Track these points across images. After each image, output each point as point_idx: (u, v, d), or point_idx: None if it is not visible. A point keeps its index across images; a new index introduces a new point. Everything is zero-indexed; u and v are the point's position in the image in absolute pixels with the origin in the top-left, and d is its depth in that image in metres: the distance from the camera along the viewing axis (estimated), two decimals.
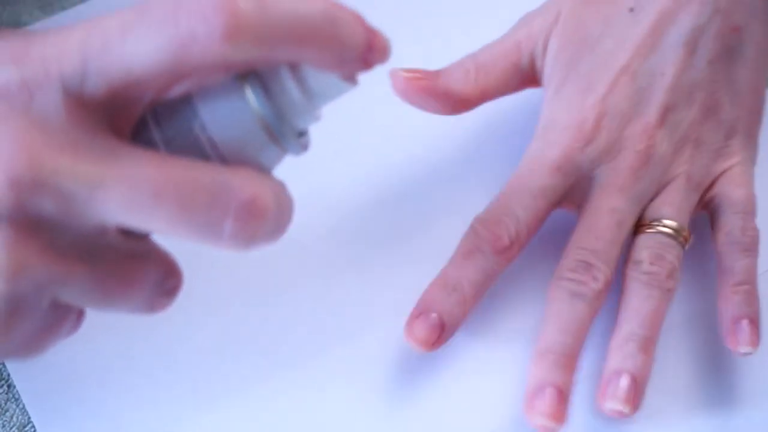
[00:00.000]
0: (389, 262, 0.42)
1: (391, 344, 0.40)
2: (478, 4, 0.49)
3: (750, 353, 0.38)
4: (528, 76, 0.44)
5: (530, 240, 0.41)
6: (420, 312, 0.39)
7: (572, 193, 0.41)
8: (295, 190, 0.42)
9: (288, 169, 0.43)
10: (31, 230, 0.25)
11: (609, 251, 0.39)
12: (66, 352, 0.40)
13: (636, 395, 0.37)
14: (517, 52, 0.43)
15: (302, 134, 0.29)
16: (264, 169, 0.28)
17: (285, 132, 0.27)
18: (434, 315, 0.38)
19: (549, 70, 0.43)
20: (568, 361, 0.38)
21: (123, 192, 0.25)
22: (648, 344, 0.38)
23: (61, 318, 0.28)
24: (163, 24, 0.24)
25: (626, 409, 0.37)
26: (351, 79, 0.28)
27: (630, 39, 0.42)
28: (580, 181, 0.41)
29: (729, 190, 0.41)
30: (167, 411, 0.39)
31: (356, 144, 0.46)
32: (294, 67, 0.27)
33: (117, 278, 0.27)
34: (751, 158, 0.43)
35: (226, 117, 0.26)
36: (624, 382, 0.37)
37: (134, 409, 0.39)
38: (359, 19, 0.27)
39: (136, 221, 0.25)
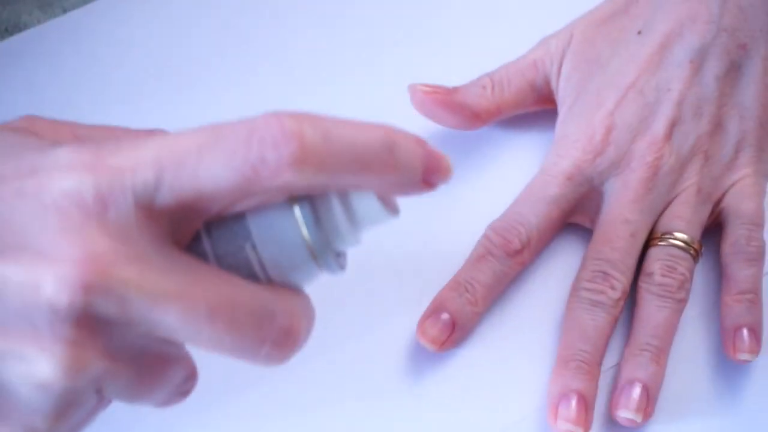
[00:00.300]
0: (403, 267, 0.42)
1: (402, 346, 0.41)
2: (496, 25, 0.50)
3: (749, 361, 0.39)
4: (543, 95, 0.45)
5: (543, 247, 0.42)
6: (432, 312, 0.40)
7: (584, 205, 0.42)
8: None
9: None
10: (94, 332, 0.26)
11: (625, 261, 0.40)
12: None
13: (648, 404, 0.38)
14: (533, 71, 0.45)
15: (340, 255, 0.29)
16: (299, 284, 0.29)
17: (326, 254, 0.28)
18: (446, 315, 0.40)
19: (562, 90, 0.45)
20: (591, 368, 0.38)
21: (182, 308, 0.26)
22: (660, 354, 0.39)
23: (98, 405, 0.29)
24: (237, 149, 0.25)
25: (638, 418, 0.38)
26: (394, 210, 0.29)
27: (638, 58, 0.43)
28: (591, 194, 0.42)
29: (737, 202, 0.42)
30: (167, 410, 0.38)
31: None
32: (342, 194, 0.28)
33: (150, 379, 0.29)
34: (762, 171, 0.43)
35: (276, 239, 0.27)
36: (637, 391, 0.38)
37: (135, 408, 0.38)
38: (419, 143, 0.28)
39: (185, 336, 0.26)
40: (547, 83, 0.45)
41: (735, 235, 0.41)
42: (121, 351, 0.27)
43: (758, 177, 0.43)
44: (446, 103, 0.44)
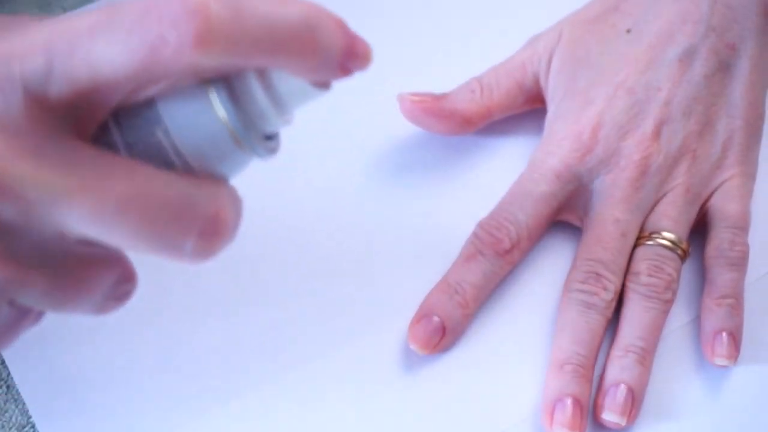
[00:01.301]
0: (395, 267, 0.43)
1: (396, 348, 0.41)
2: (485, 27, 0.50)
3: (726, 366, 0.39)
4: (532, 95, 0.45)
5: (532, 245, 0.42)
6: (422, 316, 0.40)
7: (572, 203, 0.42)
8: (301, 192, 0.44)
9: (294, 172, 0.44)
10: None
11: (616, 261, 0.40)
12: (67, 352, 0.40)
13: (633, 407, 0.38)
14: (522, 71, 0.45)
15: (271, 138, 0.28)
16: (228, 174, 0.27)
17: (251, 137, 0.26)
18: (436, 318, 0.40)
19: (551, 88, 0.45)
20: (586, 371, 0.38)
21: (87, 204, 0.24)
22: (646, 356, 0.39)
23: (21, 316, 0.28)
24: (133, 28, 0.23)
25: (623, 421, 0.38)
26: (324, 85, 0.27)
27: (627, 56, 0.43)
28: (580, 191, 0.42)
29: (723, 205, 0.42)
30: (167, 411, 0.39)
31: (364, 149, 0.46)
32: (262, 72, 0.26)
33: (72, 284, 0.27)
34: (748, 173, 0.43)
35: (190, 122, 0.25)
36: (622, 393, 0.38)
37: (135, 408, 0.39)
38: (339, 25, 0.26)
39: (96, 233, 0.25)
40: (537, 82, 0.45)
41: (719, 238, 0.41)
42: (28, 256, 0.25)
43: (744, 178, 0.43)
44: (435, 110, 0.44)
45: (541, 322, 0.41)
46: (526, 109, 0.46)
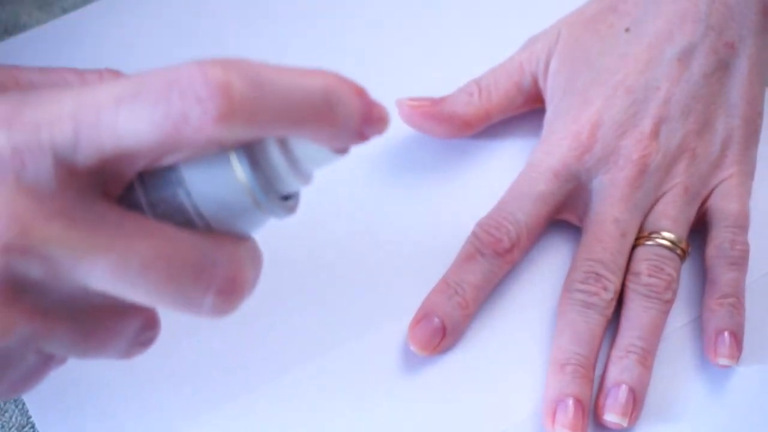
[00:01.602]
0: (395, 268, 0.43)
1: (396, 348, 0.41)
2: (483, 29, 0.50)
3: (729, 366, 0.39)
4: (531, 96, 0.45)
5: (531, 245, 0.42)
6: (422, 317, 0.40)
7: (571, 202, 0.42)
8: (301, 194, 0.44)
9: None
10: (18, 292, 0.25)
11: (616, 261, 0.40)
12: None
13: (634, 408, 0.38)
14: (520, 72, 0.45)
15: (289, 197, 0.28)
16: (247, 231, 0.28)
17: (270, 199, 0.27)
18: (436, 319, 0.40)
19: (550, 87, 0.45)
20: (587, 371, 0.38)
21: (111, 262, 0.25)
22: (647, 356, 0.39)
23: (46, 363, 0.29)
24: (156, 102, 0.24)
25: (625, 422, 0.38)
26: (342, 150, 0.27)
27: (626, 56, 0.43)
28: (579, 191, 0.42)
29: (722, 204, 0.42)
30: (167, 411, 0.39)
31: (363, 150, 0.46)
32: (282, 139, 0.27)
33: (97, 333, 0.27)
34: (747, 172, 0.44)
35: (211, 185, 0.26)
36: (623, 394, 0.38)
37: (135, 408, 0.39)
38: (358, 93, 0.26)
39: (119, 290, 0.25)
40: (535, 83, 0.45)
41: (720, 238, 0.41)
42: (56, 308, 0.26)
43: (743, 177, 0.43)
44: (433, 114, 0.44)
45: (541, 323, 0.41)
46: (526, 110, 0.46)
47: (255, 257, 0.27)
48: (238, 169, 0.26)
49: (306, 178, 0.27)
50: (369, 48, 0.49)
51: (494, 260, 0.40)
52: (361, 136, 0.26)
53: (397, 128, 0.46)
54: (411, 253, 0.43)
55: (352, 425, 0.39)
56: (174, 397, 0.39)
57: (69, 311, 0.27)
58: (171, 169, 0.26)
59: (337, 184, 0.45)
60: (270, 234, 0.43)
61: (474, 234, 0.41)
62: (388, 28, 0.50)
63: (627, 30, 0.44)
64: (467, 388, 0.40)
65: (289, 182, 0.27)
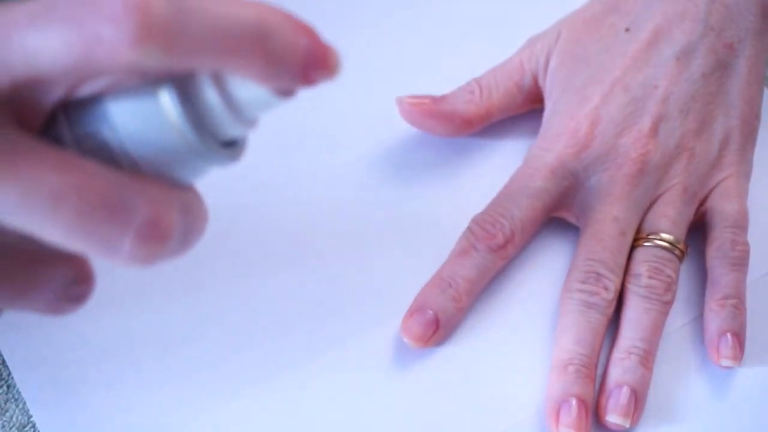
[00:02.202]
0: (394, 266, 0.43)
1: (396, 347, 0.41)
2: (484, 29, 0.50)
3: (732, 367, 0.39)
4: (531, 95, 0.45)
5: (526, 241, 0.42)
6: (415, 309, 0.40)
7: (568, 200, 0.42)
8: (300, 192, 0.44)
9: (292, 172, 0.45)
10: None
11: (616, 260, 0.40)
12: (67, 351, 0.40)
13: (636, 409, 0.38)
14: (520, 72, 0.45)
15: (231, 144, 0.26)
16: (183, 180, 0.26)
17: (205, 141, 0.25)
18: (429, 312, 0.40)
19: (549, 85, 0.45)
20: (589, 371, 0.39)
21: (18, 192, 0.23)
22: (647, 357, 0.39)
23: None
24: (67, 21, 0.22)
25: (627, 423, 0.38)
26: (287, 93, 0.25)
27: (624, 54, 0.43)
28: (576, 188, 0.42)
29: (721, 204, 0.42)
30: (168, 410, 0.39)
31: (362, 149, 0.46)
32: (217, 76, 0.25)
33: (16, 280, 0.26)
34: (744, 173, 0.44)
35: (138, 121, 0.24)
36: (625, 395, 0.38)
37: (135, 407, 0.39)
38: (302, 29, 0.24)
39: (28, 225, 0.24)
40: (535, 82, 0.45)
41: (720, 238, 0.41)
42: None
43: (741, 177, 0.43)
44: (434, 112, 0.45)
45: (540, 322, 0.41)
46: (526, 109, 0.46)
47: (190, 206, 0.25)
48: (167, 104, 0.24)
49: (247, 122, 0.26)
50: (370, 48, 0.49)
51: (488, 255, 0.41)
52: (305, 77, 0.24)
53: (397, 126, 0.46)
54: (411, 251, 0.43)
55: (352, 424, 0.39)
56: (174, 396, 0.39)
57: None
58: (97, 102, 0.25)
59: (336, 181, 0.45)
60: (270, 231, 0.44)
61: (469, 229, 0.41)
62: (389, 28, 0.50)
63: (627, 30, 0.44)
64: (467, 388, 0.40)
65: (226, 124, 0.25)
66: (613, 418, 0.38)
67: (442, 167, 0.46)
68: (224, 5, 0.23)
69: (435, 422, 0.39)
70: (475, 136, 0.46)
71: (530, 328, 0.41)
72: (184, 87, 0.24)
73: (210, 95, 0.25)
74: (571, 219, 0.43)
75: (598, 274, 0.40)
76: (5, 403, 0.40)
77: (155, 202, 0.24)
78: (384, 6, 0.51)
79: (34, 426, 0.39)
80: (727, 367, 0.39)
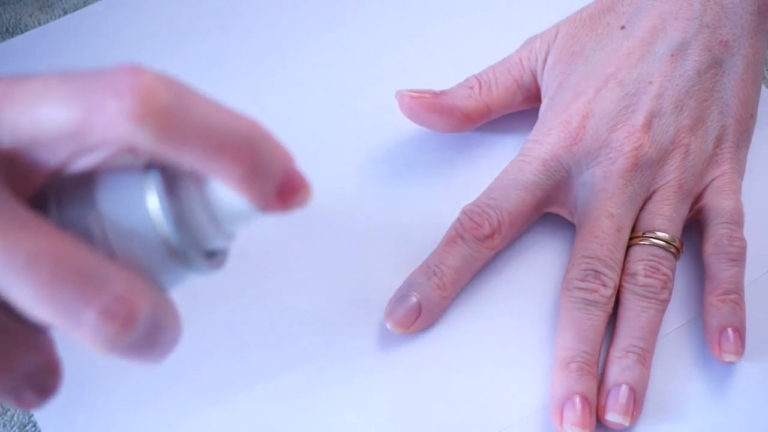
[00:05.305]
0: (393, 264, 0.43)
1: (396, 346, 0.41)
2: (484, 27, 0.51)
3: (734, 362, 0.39)
4: (531, 92, 0.46)
5: (515, 233, 0.42)
6: (399, 296, 0.41)
7: (561, 195, 0.43)
8: None
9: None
10: None
11: (614, 257, 0.41)
12: (67, 351, 0.40)
13: (635, 407, 0.38)
14: (519, 69, 0.46)
15: (214, 255, 0.27)
16: (161, 285, 0.26)
17: (186, 245, 0.26)
18: (413, 298, 0.40)
19: (546, 82, 0.45)
20: (591, 368, 0.39)
21: None
22: (645, 356, 0.39)
23: None
24: (79, 92, 0.24)
25: (626, 422, 0.38)
26: (262, 207, 0.26)
27: (619, 50, 0.44)
28: (568, 183, 0.42)
29: (717, 201, 0.42)
30: (168, 410, 0.39)
31: (361, 145, 0.47)
32: (199, 181, 0.26)
33: None
34: (739, 171, 0.44)
35: (124, 217, 0.25)
36: (624, 394, 0.38)
37: (135, 406, 0.39)
38: (285, 155, 0.26)
39: (1, 282, 0.24)
40: (534, 79, 0.46)
41: (717, 234, 0.41)
42: None
43: (735, 175, 0.43)
44: (434, 106, 0.45)
45: (539, 320, 0.41)
46: (526, 107, 0.46)
47: (162, 306, 0.26)
48: (154, 205, 0.25)
49: (225, 233, 0.27)
50: (370, 47, 0.50)
51: (474, 245, 0.41)
52: (280, 198, 0.26)
53: (397, 122, 0.46)
54: (409, 248, 0.43)
55: (352, 424, 0.39)
56: (174, 395, 0.39)
57: None
58: (87, 185, 0.26)
59: (335, 179, 0.45)
60: (269, 229, 0.44)
61: (458, 219, 0.42)
62: (389, 25, 0.51)
63: (622, 28, 0.45)
64: (467, 387, 0.40)
65: (206, 230, 0.26)
66: (612, 416, 0.38)
67: (441, 164, 0.46)
68: (221, 110, 0.25)
69: (435, 422, 0.39)
70: (474, 133, 0.46)
71: (529, 327, 0.41)
72: (171, 189, 0.26)
73: (193, 199, 0.26)
74: (566, 215, 0.43)
75: (596, 271, 0.40)
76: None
77: (126, 283, 0.25)
78: (384, 5, 0.51)
79: (35, 425, 0.39)
80: (729, 362, 0.39)
